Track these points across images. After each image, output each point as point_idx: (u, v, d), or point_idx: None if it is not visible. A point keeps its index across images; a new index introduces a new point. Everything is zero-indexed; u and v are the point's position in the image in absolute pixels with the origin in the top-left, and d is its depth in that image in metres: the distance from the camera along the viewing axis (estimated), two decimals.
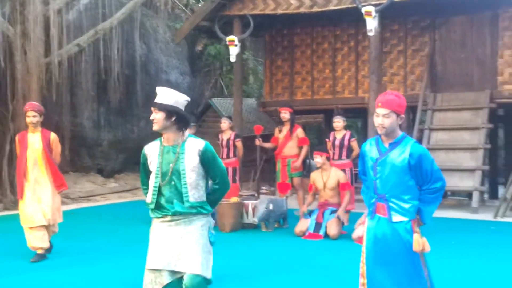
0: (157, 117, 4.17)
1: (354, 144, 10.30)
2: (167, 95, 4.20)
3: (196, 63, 21.26)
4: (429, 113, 13.03)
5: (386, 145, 4.31)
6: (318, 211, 9.19)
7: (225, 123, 11.19)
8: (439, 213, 11.41)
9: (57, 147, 7.75)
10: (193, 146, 4.20)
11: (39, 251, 7.53)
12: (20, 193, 7.57)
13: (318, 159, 9.20)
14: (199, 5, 19.74)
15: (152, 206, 4.24)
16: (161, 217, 4.25)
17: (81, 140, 15.66)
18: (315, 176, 9.30)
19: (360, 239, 8.57)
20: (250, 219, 9.86)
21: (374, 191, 4.35)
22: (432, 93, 13.38)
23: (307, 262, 7.50)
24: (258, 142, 11.21)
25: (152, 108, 4.18)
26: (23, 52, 12.76)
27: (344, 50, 14.77)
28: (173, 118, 4.16)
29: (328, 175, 9.14)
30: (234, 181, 10.94)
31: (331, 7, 12.63)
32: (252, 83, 21.58)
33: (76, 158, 15.73)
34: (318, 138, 19.38)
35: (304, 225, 9.15)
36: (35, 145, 7.52)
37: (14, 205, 12.24)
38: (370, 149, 4.41)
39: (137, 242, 8.82)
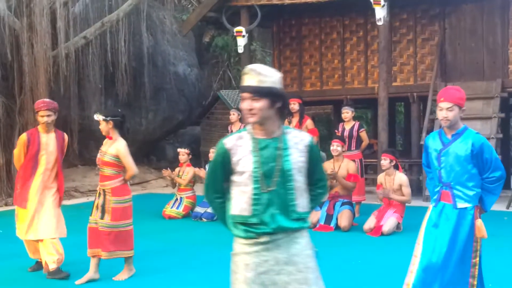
0: (257, 106, 3.11)
1: (363, 134, 10.21)
2: (265, 74, 3.13)
3: (204, 54, 21.20)
4: None
5: (449, 136, 4.62)
6: (329, 202, 9.10)
7: (234, 115, 11.13)
8: None
9: (65, 150, 6.92)
10: (298, 139, 3.23)
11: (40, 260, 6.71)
12: (23, 200, 6.56)
13: (338, 147, 9.07)
14: None
15: (256, 220, 3.13)
16: (254, 238, 3.16)
17: (90, 133, 15.63)
18: (327, 166, 9.22)
19: (371, 230, 8.51)
20: None
21: (439, 180, 4.66)
22: (442, 82, 13.22)
23: (317, 254, 7.42)
24: None
25: (246, 95, 3.14)
26: (30, 45, 12.74)
27: (353, 40, 14.63)
28: (278, 105, 3.16)
29: (340, 166, 9.04)
30: None
31: None
32: None
33: (85, 152, 15.70)
34: (327, 129, 19.28)
35: (315, 217, 9.07)
36: (49, 148, 6.61)
37: None
38: (433, 141, 4.73)
39: (147, 235, 8.79)
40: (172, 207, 10.54)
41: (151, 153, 18.38)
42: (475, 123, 12.30)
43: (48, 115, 6.53)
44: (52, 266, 6.43)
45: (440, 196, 4.66)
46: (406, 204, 8.88)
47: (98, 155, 6.32)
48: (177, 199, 10.62)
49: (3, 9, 12.57)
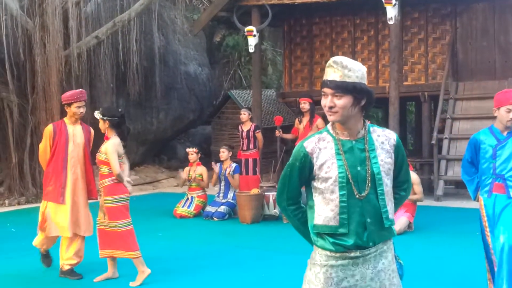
0: (340, 104, 2.81)
1: None
2: (351, 67, 2.81)
3: (215, 54, 21.22)
4: (451, 102, 12.85)
5: (504, 134, 5.04)
6: None
7: (244, 114, 11.14)
8: (462, 204, 11.31)
9: (91, 144, 6.78)
10: (383, 138, 2.93)
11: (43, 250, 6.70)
12: (59, 194, 6.39)
13: None
14: None
15: (345, 230, 2.84)
16: (343, 251, 2.86)
17: (101, 133, 15.67)
18: None
19: None
20: (271, 210, 9.82)
21: (493, 172, 5.02)
22: (454, 82, 13.20)
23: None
24: (278, 133, 11.15)
25: (327, 91, 2.83)
26: (43, 44, 12.80)
27: (364, 39, 14.61)
28: (363, 102, 2.85)
29: None
30: (254, 172, 10.93)
31: None
32: (271, 73, 21.47)
33: (96, 151, 15.73)
34: None
35: None
36: (77, 139, 6.50)
37: (36, 198, 12.34)
38: (486, 137, 5.12)
39: (158, 234, 8.83)
40: (183, 206, 10.57)
41: (162, 152, 18.43)
42: (486, 122, 12.23)
43: (84, 106, 6.52)
44: (67, 267, 6.48)
45: (492, 187, 5.02)
46: (418, 204, 8.85)
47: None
48: (188, 199, 10.65)
49: (15, 9, 12.65)
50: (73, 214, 6.42)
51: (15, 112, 13.03)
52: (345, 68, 2.80)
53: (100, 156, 6.26)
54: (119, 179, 6.25)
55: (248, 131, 11.04)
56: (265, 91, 17.23)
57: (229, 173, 10.29)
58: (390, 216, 2.89)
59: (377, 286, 2.89)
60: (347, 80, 2.79)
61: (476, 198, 5.25)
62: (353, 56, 14.63)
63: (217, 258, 7.38)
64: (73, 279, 6.42)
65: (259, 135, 11.06)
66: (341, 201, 2.84)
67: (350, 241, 2.83)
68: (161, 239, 8.58)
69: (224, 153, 10.46)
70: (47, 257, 6.86)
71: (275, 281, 6.32)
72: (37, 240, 6.73)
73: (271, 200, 9.80)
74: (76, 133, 6.51)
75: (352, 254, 2.84)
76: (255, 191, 9.98)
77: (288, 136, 11.32)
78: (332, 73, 2.83)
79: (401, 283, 3.03)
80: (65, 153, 6.43)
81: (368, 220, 2.84)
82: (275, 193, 9.89)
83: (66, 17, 13.11)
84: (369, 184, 2.85)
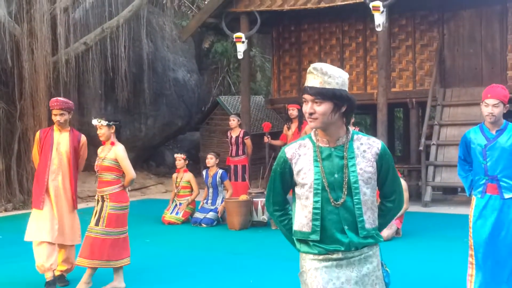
0: (320, 111, 2.81)
1: None
2: (331, 74, 2.82)
3: (203, 60, 21.23)
4: (439, 109, 12.92)
5: (493, 132, 4.94)
6: None
7: (233, 121, 11.17)
8: (450, 210, 11.36)
9: (84, 152, 6.65)
10: (366, 146, 2.91)
11: (48, 276, 6.23)
12: (38, 201, 6.30)
13: None
14: (205, 2, 19.69)
15: (316, 237, 2.85)
16: (325, 254, 2.87)
17: (89, 139, 15.28)
18: None
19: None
20: (260, 217, 9.83)
21: (485, 173, 4.94)
22: (441, 88, 13.28)
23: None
24: (266, 139, 11.18)
25: (307, 97, 2.84)
26: (30, 51, 12.76)
27: (352, 46, 14.68)
28: (343, 109, 2.85)
29: None
30: (243, 178, 10.96)
31: (339, 2, 12.56)
32: (259, 80, 21.52)
33: (93, 158, 15.70)
34: None
35: None
36: (61, 146, 6.41)
37: (23, 204, 12.30)
38: (475, 136, 5.03)
39: (146, 240, 8.80)
40: (171, 213, 10.55)
41: (150, 158, 18.40)
42: None
43: (61, 114, 6.36)
44: (57, 273, 6.42)
45: (485, 188, 4.97)
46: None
47: (96, 162, 6.26)
48: (176, 205, 10.63)
49: (3, 15, 12.60)
50: (56, 222, 6.30)
51: (2, 118, 12.97)
52: (325, 74, 2.82)
53: (105, 162, 6.16)
54: (123, 187, 6.23)
55: (237, 137, 11.06)
56: (254, 98, 17.25)
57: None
58: (367, 225, 2.86)
59: None
60: (327, 86, 2.80)
61: (470, 195, 5.25)
62: (342, 62, 14.69)
63: (205, 264, 7.37)
64: (61, 286, 6.38)
65: (248, 141, 11.08)
66: (314, 208, 2.84)
67: (326, 248, 2.85)
68: (149, 245, 8.56)
69: (212, 160, 10.45)
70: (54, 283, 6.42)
71: (264, 287, 6.32)
72: (36, 261, 6.31)
73: (259, 206, 9.80)
74: (61, 141, 6.43)
75: (335, 256, 2.85)
76: (243, 197, 9.98)
77: (277, 142, 11.33)
78: (312, 79, 2.85)
79: None
80: (48, 160, 6.36)
81: (346, 227, 2.84)
82: (263, 199, 9.90)
83: (54, 23, 13.09)
84: (345, 192, 2.83)
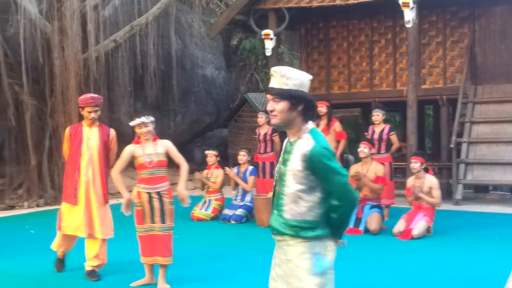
0: (278, 108, 3.14)
1: (394, 138, 10.15)
2: (289, 76, 3.13)
3: (231, 57, 21.26)
4: (470, 106, 12.76)
5: None
6: (357, 206, 9.05)
7: (262, 118, 11.14)
8: (481, 208, 11.22)
9: (115, 146, 6.69)
10: (300, 146, 3.15)
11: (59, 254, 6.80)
12: (72, 195, 6.44)
13: (365, 149, 9.04)
14: None
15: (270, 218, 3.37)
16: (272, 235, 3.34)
17: (119, 136, 15.49)
18: (355, 169, 9.18)
19: (401, 234, 8.44)
20: None
21: None
22: (472, 85, 13.11)
23: (347, 257, 7.39)
24: None
25: (269, 96, 3.18)
26: (61, 48, 12.90)
27: (382, 43, 14.56)
28: (300, 108, 3.15)
29: (368, 169, 9.00)
30: (271, 175, 10.91)
31: None
32: None
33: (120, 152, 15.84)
34: (355, 132, 19.19)
35: None
36: (91, 141, 6.47)
37: (55, 200, 12.44)
38: None
39: (175, 236, 8.83)
40: (200, 209, 10.59)
41: None
42: (506, 126, 12.16)
43: (96, 111, 6.46)
44: (89, 268, 6.52)
45: None
46: (436, 208, 8.79)
47: (147, 159, 6.14)
48: (205, 201, 10.66)
49: (34, 13, 12.76)
50: (87, 216, 6.42)
51: (34, 115, 13.14)
52: (283, 76, 3.13)
53: (159, 157, 6.16)
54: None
55: (265, 134, 11.04)
56: None
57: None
58: (287, 215, 3.16)
59: (281, 273, 3.24)
60: (284, 87, 3.12)
61: None
62: (371, 59, 14.59)
63: (234, 261, 7.37)
64: (92, 281, 6.45)
65: (276, 138, 11.05)
66: (272, 192, 3.34)
67: (270, 228, 3.29)
68: (178, 241, 8.55)
69: (244, 157, 10.46)
70: (61, 262, 6.89)
71: None
72: (55, 243, 6.78)
73: None
74: (90, 136, 6.50)
75: (274, 238, 3.29)
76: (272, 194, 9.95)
77: None
78: (273, 80, 3.18)
79: (318, 281, 3.18)
80: (79, 155, 6.44)
81: (275, 212, 3.26)
82: None
83: (84, 20, 13.20)
84: (281, 183, 3.20)
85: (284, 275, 3.21)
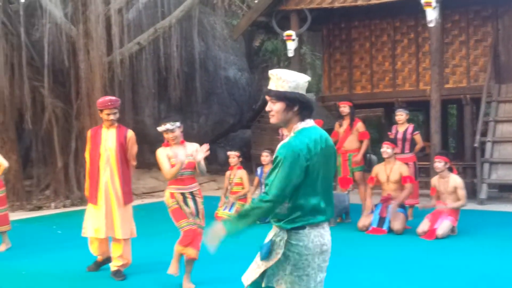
0: (275, 109, 3.36)
1: (418, 137, 10.12)
2: (284, 79, 3.33)
3: (254, 59, 21.34)
4: (494, 105, 12.68)
5: None
6: (381, 205, 9.06)
7: None
8: (506, 208, 11.15)
9: (132, 147, 6.72)
10: (280, 144, 3.47)
11: (99, 258, 6.94)
12: (93, 196, 6.61)
13: (388, 149, 9.06)
14: (256, 1, 19.77)
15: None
16: None
17: (143, 137, 15.91)
18: (378, 169, 9.19)
19: (425, 234, 8.43)
20: None
21: None
22: (496, 84, 13.03)
23: (371, 257, 7.43)
24: None
25: (267, 98, 3.39)
26: (86, 51, 13.07)
27: (404, 42, 14.53)
28: (295, 108, 3.35)
29: (391, 168, 9.01)
30: None
31: None
32: (310, 77, 21.50)
33: (139, 155, 15.92)
34: (378, 132, 19.15)
35: (368, 219, 9.05)
36: (108, 143, 6.58)
37: (81, 201, 12.61)
38: None
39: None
40: (224, 209, 10.65)
41: None
42: None
43: (114, 113, 6.58)
44: (114, 268, 6.64)
45: None
46: (461, 208, 8.76)
47: (186, 160, 6.18)
48: (229, 202, 10.72)
49: (60, 16, 12.95)
50: (108, 217, 6.54)
51: (60, 117, 13.34)
52: (279, 79, 3.33)
53: (190, 158, 6.25)
54: None
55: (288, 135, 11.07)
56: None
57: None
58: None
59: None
60: (280, 89, 3.32)
61: None
62: (393, 59, 14.57)
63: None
64: (117, 280, 6.56)
65: None
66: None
67: None
68: (202, 241, 8.65)
69: (267, 157, 10.51)
70: (97, 265, 6.98)
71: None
72: (91, 247, 6.92)
73: None
74: (108, 137, 6.60)
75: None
76: None
77: None
78: (271, 83, 3.38)
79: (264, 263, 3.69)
80: (98, 157, 6.59)
81: None
82: None
83: (108, 24, 13.36)
84: None
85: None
